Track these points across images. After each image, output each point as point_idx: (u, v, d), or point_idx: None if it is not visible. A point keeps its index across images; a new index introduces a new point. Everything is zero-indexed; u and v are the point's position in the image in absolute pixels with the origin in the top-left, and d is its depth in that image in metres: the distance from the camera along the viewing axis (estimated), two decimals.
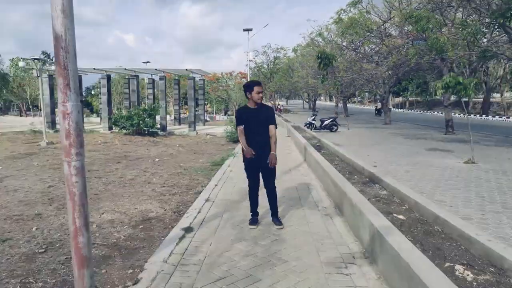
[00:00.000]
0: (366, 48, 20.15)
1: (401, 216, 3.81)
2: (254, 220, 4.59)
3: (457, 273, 2.68)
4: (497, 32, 11.91)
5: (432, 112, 44.70)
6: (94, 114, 45.51)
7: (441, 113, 41.74)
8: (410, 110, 52.64)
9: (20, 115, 43.56)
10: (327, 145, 10.71)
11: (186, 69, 19.85)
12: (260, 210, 4.75)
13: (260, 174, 4.51)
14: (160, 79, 20.03)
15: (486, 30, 9.56)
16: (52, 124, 20.09)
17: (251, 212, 4.67)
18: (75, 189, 2.44)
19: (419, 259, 2.50)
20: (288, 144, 13.27)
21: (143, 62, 43.50)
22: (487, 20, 10.67)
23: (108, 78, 20.21)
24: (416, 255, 2.56)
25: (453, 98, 17.73)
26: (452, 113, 17.95)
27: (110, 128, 19.31)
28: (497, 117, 32.94)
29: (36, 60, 14.07)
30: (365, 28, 14.88)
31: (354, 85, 28.05)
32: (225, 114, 43.05)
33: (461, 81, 8.13)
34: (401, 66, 17.67)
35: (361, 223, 3.65)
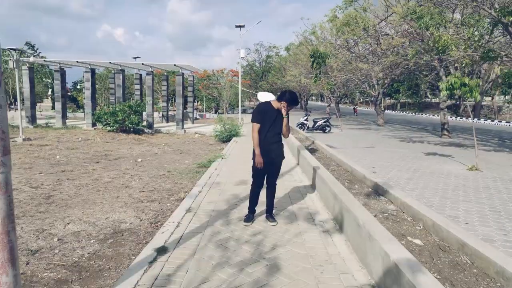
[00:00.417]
0: (360, 48, 19.62)
1: (417, 241, 3.17)
2: (250, 217, 4.56)
3: None
4: (498, 33, 11.46)
5: (423, 114, 44.51)
6: (81, 110, 44.23)
7: (433, 115, 41.64)
8: (401, 112, 52.47)
9: None
10: (321, 147, 10.08)
11: (175, 65, 19.03)
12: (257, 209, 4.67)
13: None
14: (147, 74, 19.18)
15: (493, 29, 9.01)
16: (32, 119, 19.09)
17: (248, 209, 4.64)
18: None
19: None
20: None
21: (133, 58, 42.44)
22: (488, 20, 10.18)
23: (93, 72, 19.27)
24: None
25: (449, 101, 17.28)
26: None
27: (93, 125, 18.41)
28: (489, 120, 32.80)
29: (12, 50, 13.12)
30: (361, 25, 14.30)
31: (348, 86, 27.55)
32: (215, 112, 42.20)
33: (467, 82, 7.56)
34: (397, 66, 17.16)
35: (370, 249, 3.00)
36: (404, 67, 16.49)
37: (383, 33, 15.82)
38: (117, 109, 16.56)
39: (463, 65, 11.68)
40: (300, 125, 19.79)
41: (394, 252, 2.58)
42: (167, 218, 5.07)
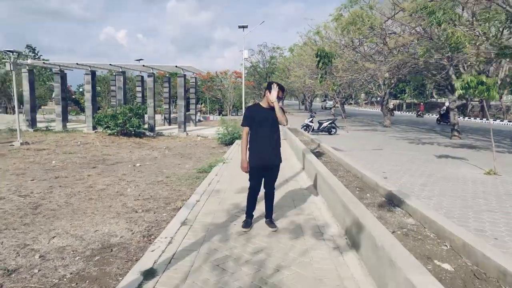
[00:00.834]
0: (366, 47, 19.10)
1: (447, 266, 2.69)
2: (248, 222, 4.42)
3: None
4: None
5: (429, 114, 43.80)
6: (84, 113, 44.01)
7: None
8: (407, 113, 51.76)
9: (6, 112, 41.94)
10: (328, 150, 9.60)
11: (176, 66, 18.62)
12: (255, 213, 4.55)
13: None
14: (149, 76, 18.81)
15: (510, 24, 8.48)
16: (32, 122, 18.78)
17: (246, 214, 4.50)
18: None
19: None
20: (284, 148, 12.14)
21: (136, 60, 42.13)
22: (503, 16, 9.66)
23: (93, 74, 18.92)
24: None
25: (459, 101, 16.71)
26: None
27: (94, 128, 18.05)
28: (498, 120, 32.03)
29: (9, 53, 12.79)
30: (368, 24, 13.80)
31: (353, 86, 27.02)
32: (219, 114, 41.79)
33: (484, 81, 7.05)
34: (405, 66, 16.63)
35: (391, 277, 2.53)
36: (412, 66, 15.95)
37: (389, 32, 15.32)
38: (117, 112, 16.19)
39: (478, 63, 11.14)
40: (305, 127, 19.30)
41: (422, 284, 2.11)
42: (161, 231, 4.64)
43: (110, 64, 18.66)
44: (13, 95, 13.33)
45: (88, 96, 18.60)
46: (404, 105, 57.67)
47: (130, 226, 5.01)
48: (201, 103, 46.79)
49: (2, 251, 4.20)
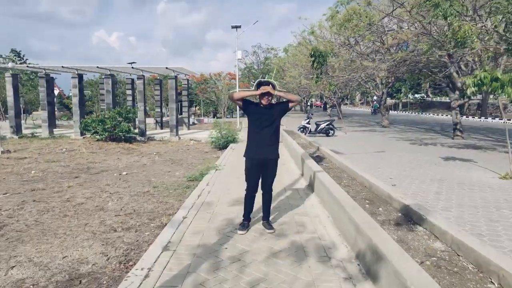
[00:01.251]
0: (362, 46, 18.53)
1: None
2: (245, 225, 4.35)
3: None
4: None
5: (426, 114, 43.39)
6: None
7: (436, 114, 40.50)
8: (403, 112, 51.36)
9: None
10: (328, 155, 8.95)
11: (167, 68, 17.90)
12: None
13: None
14: (138, 78, 18.06)
15: None
16: (17, 129, 17.96)
17: (243, 217, 4.42)
18: None
19: None
20: (281, 152, 11.46)
21: (129, 63, 41.33)
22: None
23: (80, 77, 18.15)
24: None
25: (461, 100, 16.15)
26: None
27: (81, 134, 17.27)
28: (496, 119, 31.62)
29: None
30: (365, 21, 13.21)
31: (350, 86, 26.47)
32: (213, 117, 41.02)
33: (499, 77, 6.45)
34: (404, 64, 16.07)
35: None
36: (411, 64, 15.37)
37: (387, 29, 14.74)
38: (106, 116, 15.44)
39: (488, 59, 10.57)
40: (302, 129, 18.66)
41: None
42: (142, 254, 3.97)
43: (97, 67, 17.91)
44: None
45: (75, 100, 17.82)
46: (400, 105, 57.29)
47: (106, 249, 4.32)
48: (195, 106, 46.03)
49: None
